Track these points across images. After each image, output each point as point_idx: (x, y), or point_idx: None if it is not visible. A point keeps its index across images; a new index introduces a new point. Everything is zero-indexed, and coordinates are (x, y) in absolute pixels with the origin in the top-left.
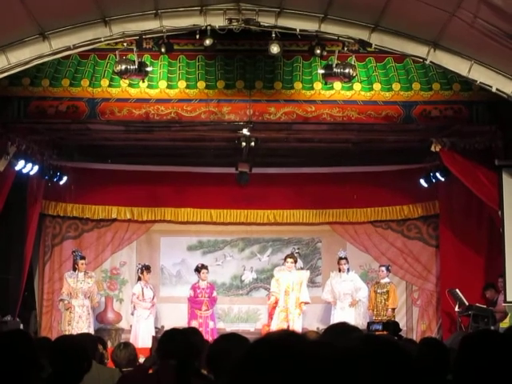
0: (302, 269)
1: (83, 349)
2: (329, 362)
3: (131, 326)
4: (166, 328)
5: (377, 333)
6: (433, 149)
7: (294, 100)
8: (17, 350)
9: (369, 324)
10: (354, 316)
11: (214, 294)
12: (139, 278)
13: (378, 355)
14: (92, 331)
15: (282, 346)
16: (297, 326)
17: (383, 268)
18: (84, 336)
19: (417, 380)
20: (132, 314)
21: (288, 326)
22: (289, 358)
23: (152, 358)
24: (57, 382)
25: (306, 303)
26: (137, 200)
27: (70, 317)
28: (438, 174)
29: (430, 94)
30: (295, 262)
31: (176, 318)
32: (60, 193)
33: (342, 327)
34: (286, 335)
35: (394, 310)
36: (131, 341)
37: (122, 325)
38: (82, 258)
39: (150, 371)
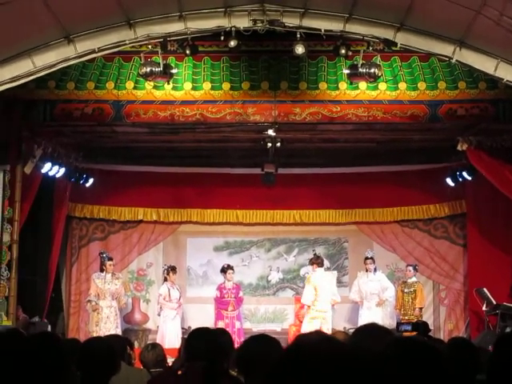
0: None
1: (113, 351)
2: (368, 368)
3: (158, 327)
4: (193, 329)
5: (406, 333)
6: (459, 148)
7: (319, 100)
8: (45, 354)
9: (398, 325)
10: (381, 316)
11: (241, 294)
12: (165, 279)
13: (413, 359)
14: (119, 332)
15: (321, 350)
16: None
17: (410, 267)
18: (113, 337)
19: (449, 381)
20: (158, 314)
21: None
22: (328, 363)
23: (180, 359)
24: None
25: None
26: (163, 201)
27: (98, 318)
28: (464, 173)
29: (456, 92)
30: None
31: (202, 318)
32: (86, 195)
33: (372, 328)
34: (322, 339)
35: (421, 309)
36: (158, 341)
37: (149, 325)
38: (110, 259)
39: (179, 373)
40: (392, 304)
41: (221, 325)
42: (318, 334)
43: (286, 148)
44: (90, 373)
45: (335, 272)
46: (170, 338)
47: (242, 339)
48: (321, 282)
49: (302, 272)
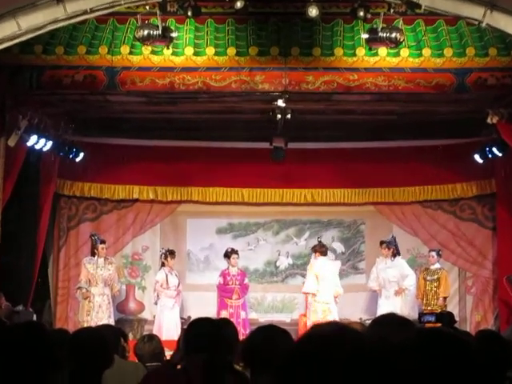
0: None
1: (105, 342)
2: (386, 360)
3: (155, 317)
4: (194, 319)
5: (429, 325)
6: (489, 121)
7: (335, 68)
8: (30, 346)
9: (420, 315)
10: (400, 305)
11: (246, 281)
12: (163, 264)
13: (438, 352)
14: (112, 322)
15: (338, 341)
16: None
17: (433, 253)
18: (105, 328)
19: (478, 377)
20: (155, 303)
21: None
22: (345, 354)
23: (179, 352)
24: (76, 380)
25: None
26: (161, 179)
27: (89, 306)
28: (494, 149)
29: (486, 60)
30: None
31: (204, 307)
32: (76, 171)
33: (391, 319)
34: (339, 329)
35: (445, 298)
36: (155, 332)
37: (145, 315)
38: (103, 242)
39: (178, 367)
40: (412, 293)
41: (224, 314)
42: (334, 324)
43: (297, 120)
44: (80, 367)
45: (339, 262)
46: (168, 329)
47: (248, 330)
48: (323, 272)
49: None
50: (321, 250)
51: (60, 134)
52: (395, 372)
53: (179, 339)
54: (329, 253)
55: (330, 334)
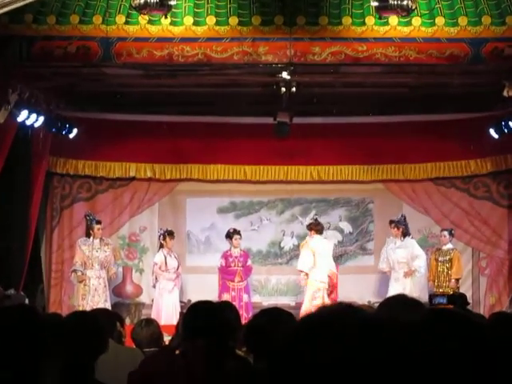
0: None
1: (99, 326)
2: (396, 339)
3: (153, 301)
4: (194, 302)
5: (441, 307)
6: (505, 94)
7: (343, 38)
8: (22, 330)
9: (431, 297)
10: (410, 288)
11: (249, 262)
12: (161, 246)
13: (449, 332)
14: (109, 306)
15: (344, 320)
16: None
17: (445, 232)
18: (100, 312)
19: (491, 362)
20: (154, 286)
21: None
22: (351, 333)
23: (178, 337)
24: (69, 365)
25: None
26: (159, 156)
27: (85, 290)
28: (510, 123)
29: (503, 29)
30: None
31: (205, 290)
32: (69, 148)
33: (401, 300)
34: (345, 308)
35: (458, 280)
36: (153, 317)
37: (143, 299)
38: (98, 222)
39: (177, 352)
40: (423, 275)
41: (226, 298)
42: (340, 304)
43: (302, 94)
44: (73, 352)
45: (333, 242)
46: (167, 313)
47: (251, 314)
48: (319, 250)
49: None
50: (316, 228)
51: (52, 108)
52: (405, 353)
53: (178, 323)
54: (335, 233)
55: (336, 313)
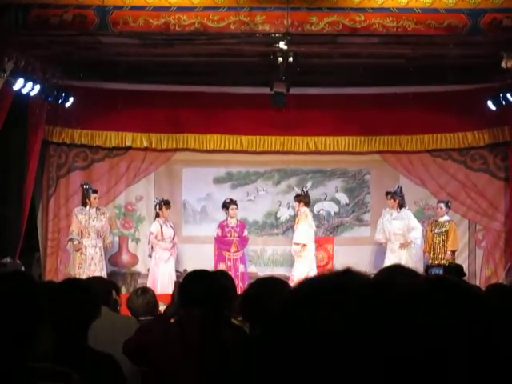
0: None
1: (90, 292)
2: (395, 306)
3: (149, 270)
4: (189, 271)
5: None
6: (503, 65)
7: (340, 8)
8: (17, 294)
9: (427, 267)
10: (406, 259)
11: (245, 233)
12: (157, 215)
13: (447, 300)
14: (105, 275)
15: (341, 285)
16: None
17: (442, 204)
18: (96, 280)
19: (489, 333)
20: (150, 255)
21: None
22: (347, 298)
23: (173, 305)
24: (61, 332)
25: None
26: (155, 125)
27: (81, 259)
28: (508, 95)
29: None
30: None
31: (201, 260)
32: (66, 117)
33: (397, 270)
34: (342, 273)
35: (453, 252)
36: (149, 286)
37: (139, 268)
38: (95, 191)
39: (172, 321)
40: (418, 246)
41: (222, 268)
42: (336, 270)
43: (299, 64)
44: (65, 318)
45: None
46: (163, 283)
47: (247, 284)
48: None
49: (316, 208)
50: (305, 199)
51: (48, 77)
52: (405, 321)
53: (174, 293)
54: (331, 204)
55: (333, 278)
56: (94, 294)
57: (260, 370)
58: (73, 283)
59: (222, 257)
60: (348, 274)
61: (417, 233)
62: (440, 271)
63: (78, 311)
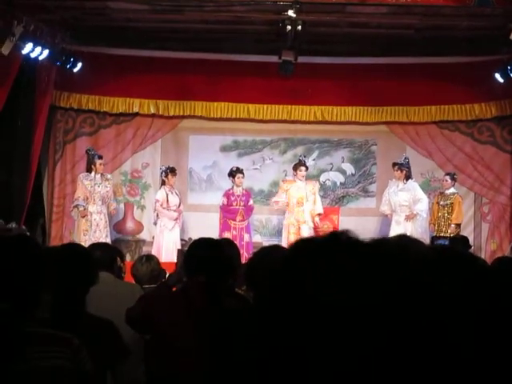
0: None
1: (89, 258)
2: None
3: (153, 238)
4: (194, 239)
5: None
6: None
7: None
8: (22, 257)
9: (432, 239)
10: (411, 231)
11: (251, 202)
12: (163, 182)
13: (454, 269)
14: (109, 242)
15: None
16: None
17: (447, 177)
18: (101, 246)
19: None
20: (155, 223)
21: None
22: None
23: (177, 274)
24: (58, 297)
25: (319, 215)
26: (163, 92)
27: (87, 225)
28: None
29: None
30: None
31: (206, 228)
32: (74, 82)
33: (402, 239)
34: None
35: (458, 225)
36: (153, 254)
37: (144, 236)
38: (100, 157)
39: (174, 289)
40: (424, 219)
41: (227, 236)
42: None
43: (308, 32)
44: (62, 283)
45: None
46: (168, 251)
47: (251, 253)
48: (302, 191)
49: (322, 178)
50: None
51: (57, 42)
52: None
53: (177, 261)
54: (337, 174)
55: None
56: (93, 260)
57: (261, 336)
58: (71, 249)
59: (227, 225)
60: (346, 233)
61: (423, 205)
62: (446, 243)
63: (75, 277)
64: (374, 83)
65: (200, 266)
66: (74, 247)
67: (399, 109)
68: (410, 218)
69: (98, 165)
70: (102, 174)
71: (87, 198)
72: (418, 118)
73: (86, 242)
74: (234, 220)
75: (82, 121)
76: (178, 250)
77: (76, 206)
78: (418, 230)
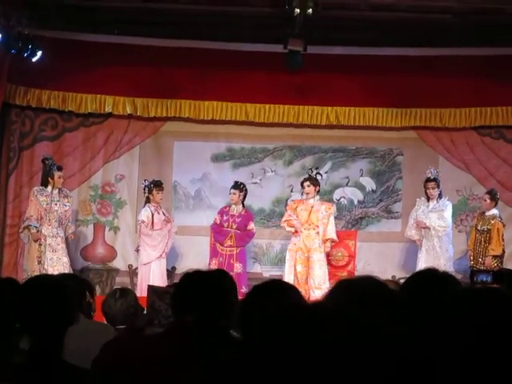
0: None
1: (66, 293)
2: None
3: (129, 266)
4: (180, 270)
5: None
6: None
7: None
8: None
9: (472, 273)
10: (434, 262)
11: (251, 226)
12: (147, 200)
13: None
14: (70, 272)
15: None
16: (318, 273)
17: (487, 196)
18: (66, 278)
19: None
20: (137, 250)
21: (308, 272)
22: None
23: (147, 314)
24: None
25: (331, 241)
26: (142, 88)
27: (40, 251)
28: None
29: None
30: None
31: (194, 256)
32: (32, 74)
33: (432, 276)
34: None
35: (496, 257)
36: (138, 288)
37: (117, 264)
38: (59, 168)
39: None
40: (443, 248)
41: (213, 265)
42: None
43: (320, 17)
44: (35, 325)
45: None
46: (154, 283)
47: (244, 289)
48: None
49: (336, 196)
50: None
51: (12, 25)
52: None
53: (148, 297)
54: (354, 190)
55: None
56: (70, 294)
57: None
58: (43, 282)
59: (215, 250)
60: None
61: (442, 223)
62: (488, 278)
63: (52, 316)
64: (401, 80)
65: (188, 304)
66: (47, 281)
67: (431, 111)
68: (421, 226)
69: (56, 177)
70: (60, 190)
71: (41, 218)
72: (453, 123)
73: (40, 271)
74: (222, 244)
75: (42, 122)
76: (149, 287)
77: (27, 228)
78: (440, 260)
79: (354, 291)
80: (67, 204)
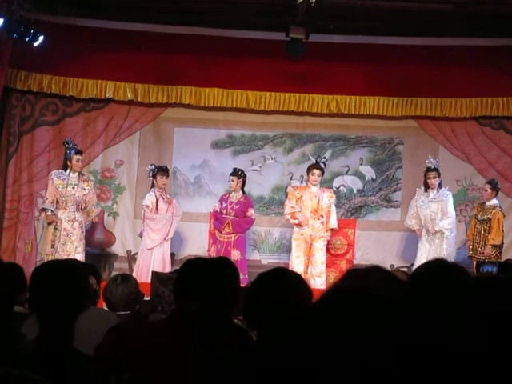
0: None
1: (78, 280)
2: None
3: (128, 252)
4: (179, 256)
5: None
6: None
7: None
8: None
9: (478, 264)
10: (439, 252)
11: (250, 213)
12: (152, 185)
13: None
14: (82, 258)
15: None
16: (321, 261)
17: (488, 185)
18: (71, 264)
19: None
20: (140, 235)
21: (308, 260)
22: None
23: (150, 301)
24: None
25: (332, 230)
26: (143, 73)
27: (55, 236)
28: None
29: None
30: (322, 174)
31: (193, 242)
32: (34, 59)
33: (440, 267)
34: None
35: (495, 247)
36: (137, 274)
37: (116, 249)
38: (78, 152)
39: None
40: (449, 239)
41: (212, 250)
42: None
43: (322, 5)
44: (48, 312)
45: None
46: (154, 269)
47: (241, 276)
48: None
49: (335, 184)
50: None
51: (14, 9)
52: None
53: (152, 283)
54: (354, 179)
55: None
56: (82, 281)
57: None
58: (55, 268)
59: (214, 237)
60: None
61: (449, 222)
62: (493, 269)
63: (64, 304)
64: (402, 69)
65: (192, 291)
66: (59, 267)
67: (432, 101)
68: (430, 232)
69: (74, 161)
70: (80, 173)
71: (57, 202)
72: (454, 113)
73: (52, 255)
74: (220, 231)
75: (42, 107)
76: (153, 273)
77: (43, 210)
78: (443, 251)
79: (364, 282)
80: (86, 188)
